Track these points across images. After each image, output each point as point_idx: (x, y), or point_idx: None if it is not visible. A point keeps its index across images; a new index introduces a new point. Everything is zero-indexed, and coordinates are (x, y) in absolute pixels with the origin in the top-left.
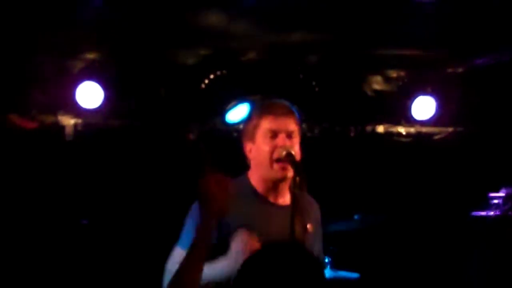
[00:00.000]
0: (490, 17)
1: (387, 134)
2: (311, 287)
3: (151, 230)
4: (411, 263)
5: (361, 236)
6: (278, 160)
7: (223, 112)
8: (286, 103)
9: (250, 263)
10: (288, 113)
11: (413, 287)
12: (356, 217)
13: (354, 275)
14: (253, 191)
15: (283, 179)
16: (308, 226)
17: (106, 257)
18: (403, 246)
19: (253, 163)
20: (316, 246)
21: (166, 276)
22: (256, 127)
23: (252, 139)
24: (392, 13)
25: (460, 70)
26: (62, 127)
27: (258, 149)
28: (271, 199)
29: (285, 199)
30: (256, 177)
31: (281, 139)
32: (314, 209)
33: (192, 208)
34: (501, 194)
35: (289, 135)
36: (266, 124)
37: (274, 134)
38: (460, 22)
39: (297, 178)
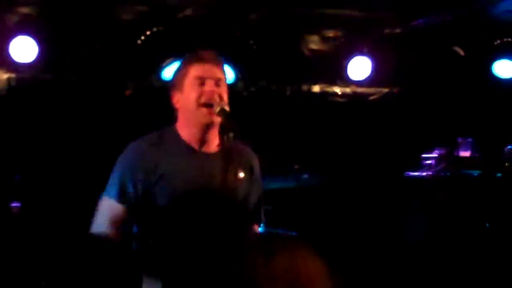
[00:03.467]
0: None
1: (323, 94)
2: None
3: (83, 185)
4: (347, 222)
5: (297, 194)
6: (206, 105)
7: (159, 69)
8: (213, 52)
9: None
10: (216, 60)
11: (348, 245)
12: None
13: (291, 233)
14: (180, 141)
15: (209, 124)
16: (240, 173)
17: (38, 212)
18: (338, 205)
19: (180, 113)
20: (253, 194)
21: (92, 224)
22: (184, 76)
23: (180, 88)
24: None
25: (397, 31)
26: None
27: (186, 97)
28: (198, 148)
29: (213, 146)
30: (183, 127)
31: (208, 85)
32: (247, 156)
33: (119, 158)
34: (434, 154)
35: (217, 83)
36: (193, 72)
37: (202, 81)
38: None
39: (231, 134)
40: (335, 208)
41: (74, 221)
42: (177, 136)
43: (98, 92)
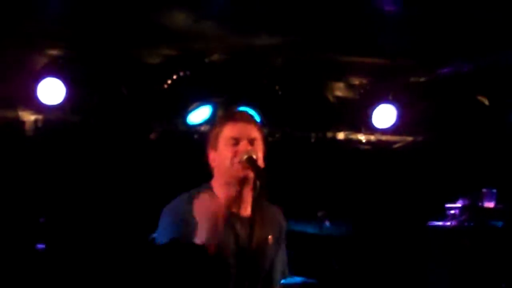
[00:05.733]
0: (452, 30)
1: (348, 141)
2: None
3: (108, 226)
4: (368, 269)
5: (318, 241)
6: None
7: (185, 113)
8: (248, 111)
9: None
10: (250, 120)
11: None
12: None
13: (311, 280)
14: (216, 201)
15: (244, 178)
16: (269, 237)
17: (64, 255)
18: (360, 253)
19: (216, 172)
20: (280, 257)
21: None
22: (218, 134)
23: (215, 147)
24: (357, 20)
25: (422, 79)
26: (22, 123)
27: (220, 156)
28: (234, 209)
29: (248, 210)
30: (218, 186)
31: (243, 145)
32: (278, 219)
33: (161, 221)
34: (458, 204)
35: (251, 142)
36: (228, 131)
37: (236, 141)
38: (423, 33)
39: (258, 182)
40: (357, 256)
41: (99, 263)
42: (213, 195)
43: (124, 135)
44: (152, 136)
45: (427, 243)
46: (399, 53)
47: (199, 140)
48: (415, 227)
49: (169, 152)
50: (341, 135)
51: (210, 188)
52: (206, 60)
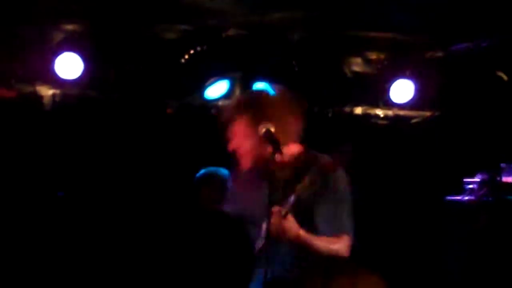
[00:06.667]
0: (470, 4)
1: (365, 116)
2: None
3: (127, 202)
4: (385, 244)
5: None
6: None
7: (202, 88)
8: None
9: None
10: (229, 121)
11: (387, 270)
12: None
13: None
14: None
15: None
16: (292, 196)
17: (81, 230)
18: (377, 227)
19: None
20: (319, 211)
21: None
22: None
23: None
24: None
25: (439, 54)
26: (40, 97)
27: None
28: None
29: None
30: None
31: None
32: (321, 172)
33: None
34: (476, 179)
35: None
36: None
37: None
38: (441, 8)
39: (273, 154)
40: (374, 231)
41: (116, 237)
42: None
43: (141, 110)
44: (169, 110)
45: (444, 217)
46: (416, 28)
47: (216, 114)
48: (433, 202)
49: (186, 126)
50: (358, 110)
51: None
52: (223, 35)
